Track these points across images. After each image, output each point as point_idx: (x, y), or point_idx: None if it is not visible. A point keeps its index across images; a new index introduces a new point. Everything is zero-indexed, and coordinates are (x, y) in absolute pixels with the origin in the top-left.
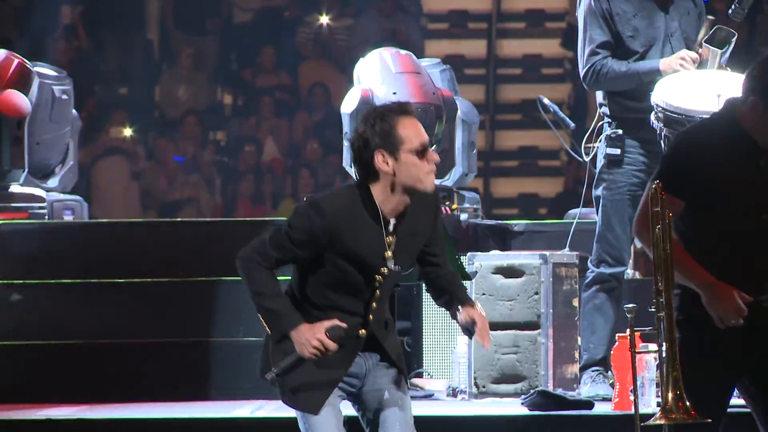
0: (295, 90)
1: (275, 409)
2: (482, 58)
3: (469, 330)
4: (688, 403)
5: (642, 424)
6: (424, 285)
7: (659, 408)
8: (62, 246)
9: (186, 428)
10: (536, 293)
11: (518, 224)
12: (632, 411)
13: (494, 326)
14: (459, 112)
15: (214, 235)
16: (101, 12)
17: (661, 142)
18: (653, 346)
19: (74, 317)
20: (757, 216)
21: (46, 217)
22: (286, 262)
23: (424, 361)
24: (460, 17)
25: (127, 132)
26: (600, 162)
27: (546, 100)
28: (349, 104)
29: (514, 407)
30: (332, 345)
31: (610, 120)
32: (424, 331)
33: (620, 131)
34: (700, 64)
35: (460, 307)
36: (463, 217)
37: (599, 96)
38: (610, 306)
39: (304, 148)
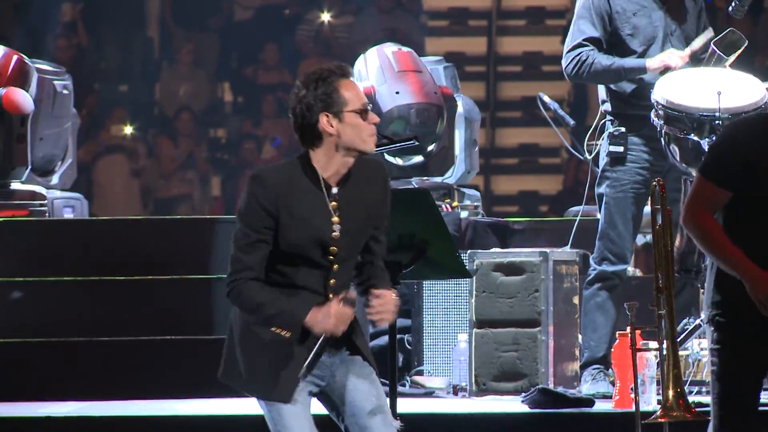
0: None
1: None
2: (483, 55)
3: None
4: (689, 401)
5: (643, 422)
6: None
7: (660, 406)
8: (63, 243)
9: (186, 425)
10: (536, 291)
11: (518, 222)
12: (633, 409)
13: (494, 324)
14: (461, 110)
15: (215, 233)
16: (101, 9)
17: (662, 139)
18: (654, 344)
19: (74, 314)
20: None
21: (47, 214)
22: (264, 254)
23: (424, 359)
24: (460, 14)
25: (128, 130)
26: (603, 160)
27: (546, 98)
28: None
29: (515, 405)
30: (350, 310)
31: (612, 118)
32: (424, 328)
33: (623, 129)
34: (703, 62)
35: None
36: (464, 214)
37: (601, 93)
38: (611, 304)
39: None
